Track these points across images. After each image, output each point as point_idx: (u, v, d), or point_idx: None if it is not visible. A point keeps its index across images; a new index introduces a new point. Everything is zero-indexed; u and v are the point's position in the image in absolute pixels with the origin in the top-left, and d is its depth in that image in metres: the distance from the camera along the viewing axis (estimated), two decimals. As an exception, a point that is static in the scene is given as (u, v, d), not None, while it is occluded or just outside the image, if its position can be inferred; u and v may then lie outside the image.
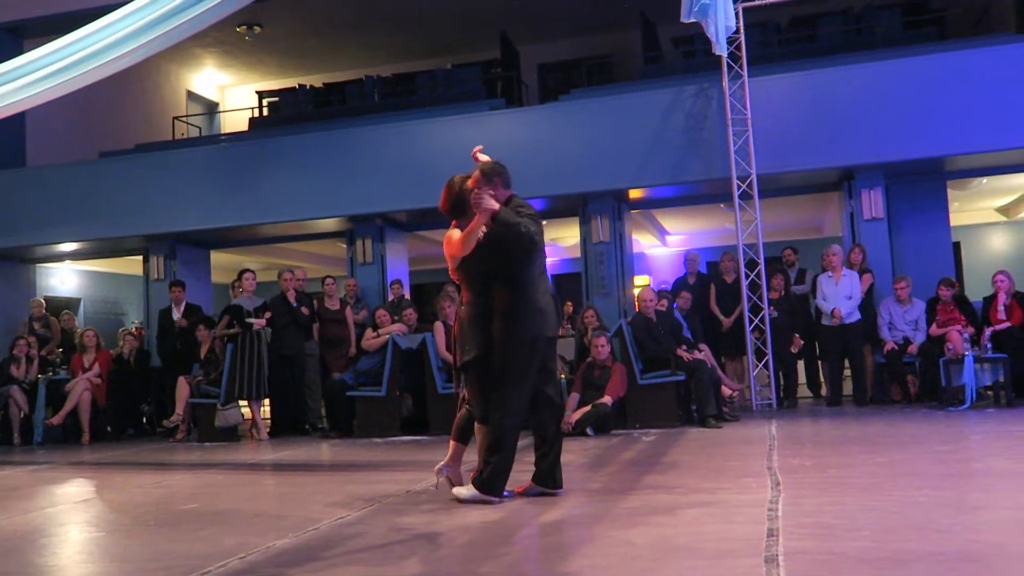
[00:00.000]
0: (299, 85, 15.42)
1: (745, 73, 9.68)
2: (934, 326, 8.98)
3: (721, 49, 9.35)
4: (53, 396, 10.34)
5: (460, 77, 13.96)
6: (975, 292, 10.10)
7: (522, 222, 4.38)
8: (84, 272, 14.44)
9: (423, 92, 14.04)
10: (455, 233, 4.52)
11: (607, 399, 7.78)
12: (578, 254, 11.55)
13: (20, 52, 8.81)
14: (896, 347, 9.08)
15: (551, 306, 4.58)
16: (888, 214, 10.06)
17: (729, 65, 9.72)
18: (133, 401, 10.83)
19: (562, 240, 14.77)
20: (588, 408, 7.76)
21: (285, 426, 9.71)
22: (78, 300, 14.26)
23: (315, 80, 16.05)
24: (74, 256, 13.32)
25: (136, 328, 12.20)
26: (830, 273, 9.32)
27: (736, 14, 9.45)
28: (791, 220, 13.58)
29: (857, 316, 9.22)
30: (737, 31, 9.56)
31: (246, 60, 16.49)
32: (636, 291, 10.64)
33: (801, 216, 13.52)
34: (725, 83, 9.72)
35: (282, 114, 14.95)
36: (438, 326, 8.76)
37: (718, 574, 2.87)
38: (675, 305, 9.48)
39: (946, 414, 7.88)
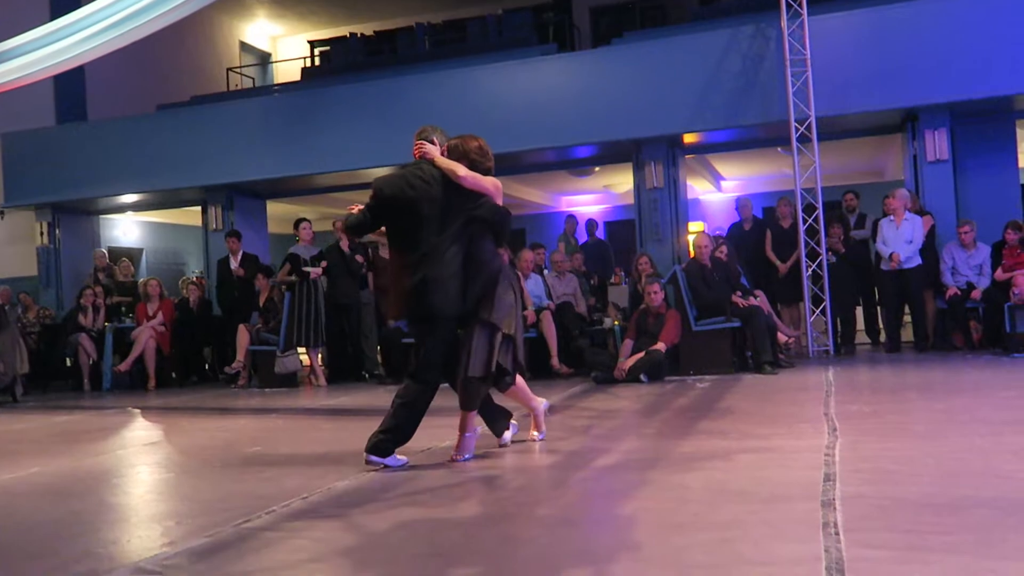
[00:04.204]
0: (350, 34, 15.40)
1: (804, 12, 9.38)
2: (999, 271, 8.73)
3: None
4: (120, 344, 10.67)
5: (511, 23, 13.80)
6: (1043, 236, 9.78)
7: None
8: (145, 223, 14.76)
9: (474, 39, 13.92)
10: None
11: (661, 346, 7.77)
12: (631, 201, 11.44)
13: (77, 7, 8.92)
14: (959, 292, 8.86)
15: None
16: (953, 156, 9.75)
17: (788, 4, 9.43)
18: (196, 348, 11.13)
19: (615, 187, 14.64)
20: (642, 355, 7.75)
21: (342, 373, 9.90)
22: (140, 251, 14.60)
23: (366, 28, 16.02)
24: (135, 208, 13.61)
25: (197, 277, 12.48)
26: (891, 217, 9.11)
27: (795, -50, 9.14)
28: (850, 164, 13.25)
29: (918, 261, 9.01)
30: (796, -32, 9.26)
31: (298, 10, 16.51)
32: (690, 237, 10.53)
33: (861, 159, 13.19)
34: (784, 22, 9.45)
35: (334, 64, 14.96)
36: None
37: (774, 518, 2.87)
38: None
39: (1010, 360, 7.71)
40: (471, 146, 4.45)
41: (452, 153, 4.43)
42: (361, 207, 4.46)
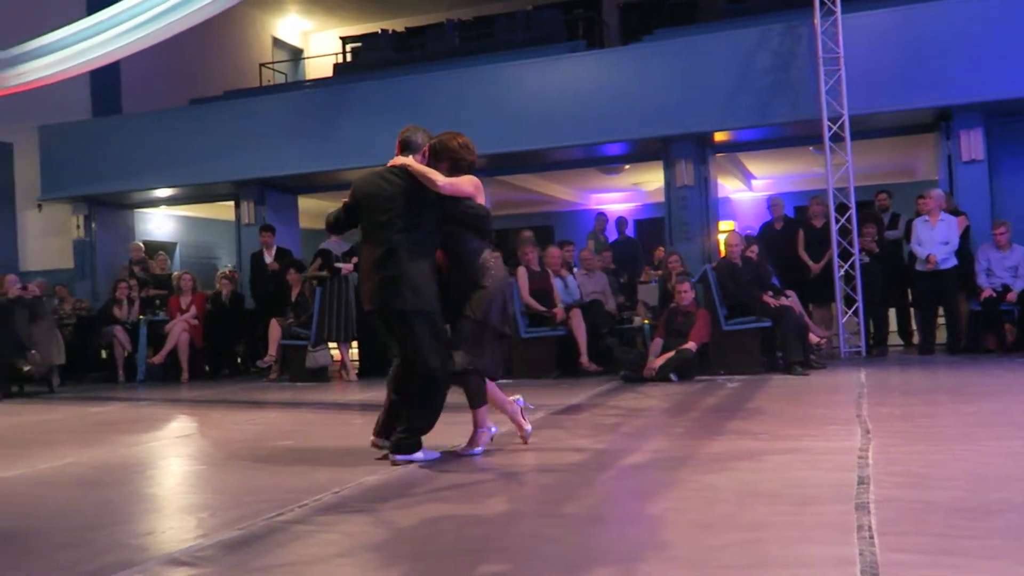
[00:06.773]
0: (381, 30, 15.47)
1: (838, 9, 9.29)
2: (1035, 273, 8.61)
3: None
4: (153, 336, 10.80)
5: (540, 19, 13.79)
6: (1081, 237, 9.62)
7: None
8: (179, 217, 14.91)
9: (503, 35, 13.92)
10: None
11: (691, 345, 7.74)
12: (661, 199, 11.39)
13: (112, 2, 9.02)
14: (994, 294, 8.74)
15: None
16: (988, 156, 9.61)
17: (822, 1, 9.35)
18: (228, 342, 11.24)
19: (645, 184, 14.58)
20: (671, 354, 7.73)
21: (373, 368, 9.95)
22: (174, 244, 14.76)
23: (397, 24, 16.08)
24: (169, 202, 13.76)
25: (229, 271, 12.60)
26: (926, 217, 9.00)
27: (830, -53, 9.05)
28: (882, 163, 13.09)
29: (953, 262, 8.89)
30: (830, -35, 9.17)
31: (328, 5, 16.60)
32: (721, 236, 10.48)
33: (893, 159, 13.03)
34: (817, 20, 9.36)
35: (364, 59, 15.03)
36: (521, 271, 8.80)
37: (806, 520, 2.85)
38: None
39: (1045, 364, 7.61)
40: (452, 144, 4.48)
41: (434, 152, 4.46)
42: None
